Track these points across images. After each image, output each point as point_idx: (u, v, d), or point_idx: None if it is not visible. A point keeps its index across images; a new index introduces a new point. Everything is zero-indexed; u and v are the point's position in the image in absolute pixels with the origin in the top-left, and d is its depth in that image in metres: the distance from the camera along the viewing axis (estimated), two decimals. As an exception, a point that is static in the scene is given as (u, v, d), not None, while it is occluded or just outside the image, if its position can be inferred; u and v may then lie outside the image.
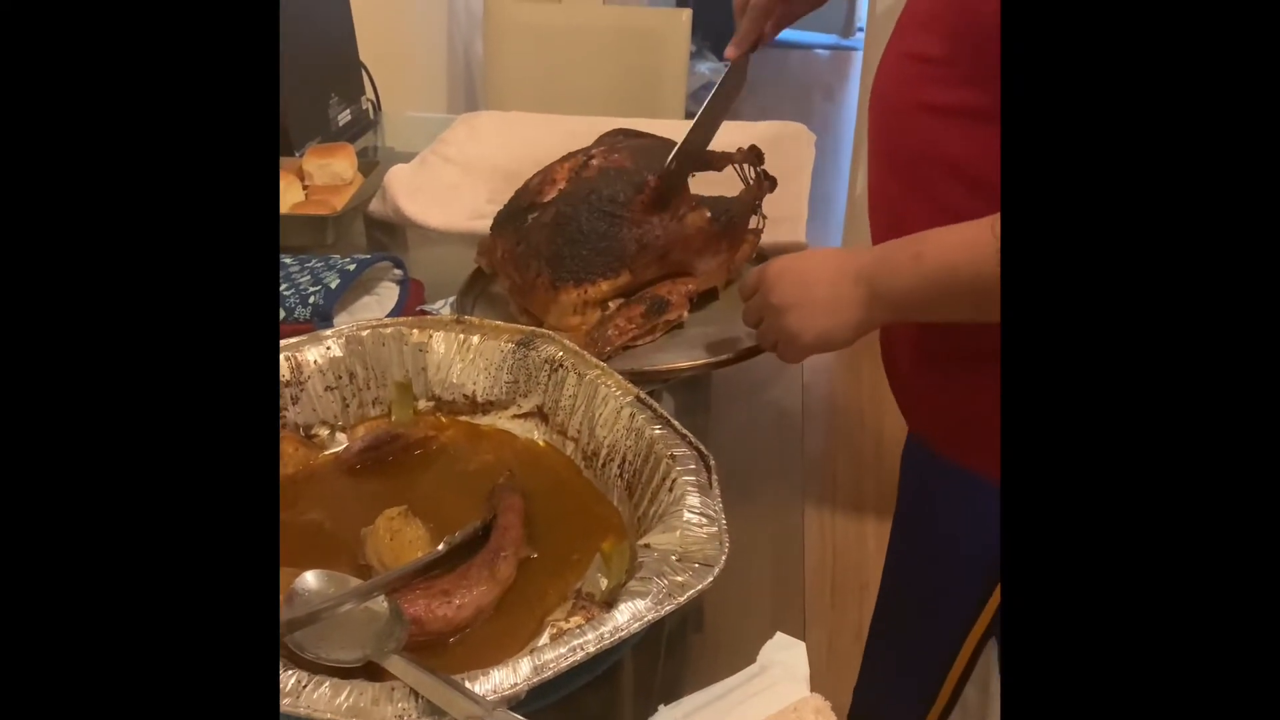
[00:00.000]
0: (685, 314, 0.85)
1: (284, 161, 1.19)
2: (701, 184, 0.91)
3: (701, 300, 0.88)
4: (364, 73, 1.48)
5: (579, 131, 1.06)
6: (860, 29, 4.61)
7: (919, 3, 0.70)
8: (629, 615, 0.50)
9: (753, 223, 0.94)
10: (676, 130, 1.09)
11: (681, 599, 0.51)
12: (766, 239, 1.00)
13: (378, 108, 1.53)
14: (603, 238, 0.81)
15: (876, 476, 2.02)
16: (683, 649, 0.60)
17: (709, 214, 0.87)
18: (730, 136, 0.97)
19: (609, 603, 0.54)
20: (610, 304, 0.83)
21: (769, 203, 0.94)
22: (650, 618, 0.50)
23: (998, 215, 0.58)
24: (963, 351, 0.71)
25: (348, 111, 1.41)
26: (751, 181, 0.92)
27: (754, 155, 0.92)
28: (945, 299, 0.63)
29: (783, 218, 1.04)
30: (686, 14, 1.84)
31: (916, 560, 0.88)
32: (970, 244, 0.60)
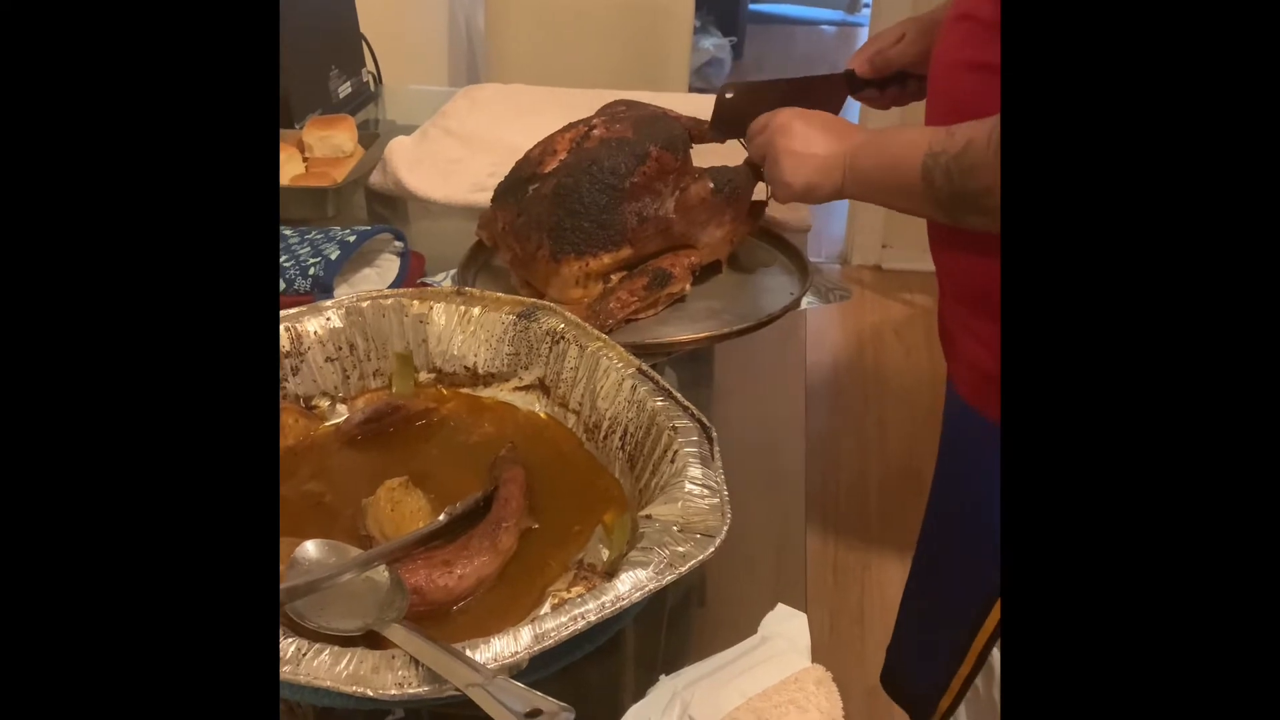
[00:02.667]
0: (688, 287, 0.84)
1: (284, 134, 1.18)
2: (704, 156, 0.90)
3: (704, 273, 0.87)
4: (365, 45, 1.47)
5: (581, 104, 1.05)
6: (866, 5, 4.56)
7: None
8: (630, 585, 0.50)
9: (758, 193, 0.93)
10: (679, 104, 1.08)
11: (683, 569, 0.51)
12: (773, 214, 0.99)
13: (378, 80, 1.52)
14: (603, 210, 0.80)
15: (881, 457, 2.02)
16: (685, 620, 0.60)
17: (711, 184, 0.86)
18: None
19: (610, 573, 0.54)
20: (612, 277, 0.82)
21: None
22: (651, 587, 0.50)
23: (943, 129, 0.68)
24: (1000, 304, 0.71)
25: (348, 84, 1.40)
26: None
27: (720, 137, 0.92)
28: (887, 188, 0.74)
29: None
30: (691, -12, 1.83)
31: (953, 517, 0.88)
32: (913, 144, 0.69)
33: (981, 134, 0.64)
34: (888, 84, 0.97)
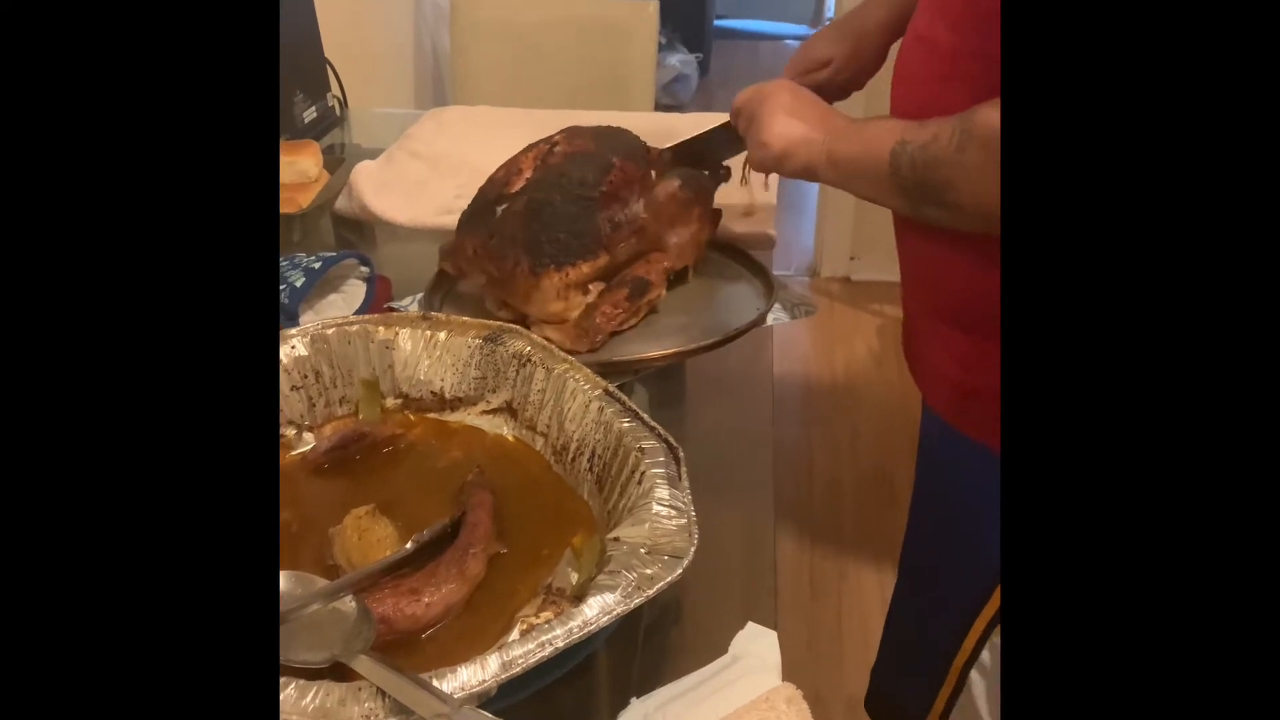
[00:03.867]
0: (664, 292, 0.85)
1: (248, 160, 1.18)
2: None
3: (672, 286, 0.88)
4: (329, 68, 1.47)
5: (546, 124, 1.05)
6: (829, 19, 4.62)
7: None
8: (598, 609, 0.50)
9: (715, 200, 0.94)
10: (645, 122, 1.09)
11: (650, 591, 0.51)
12: (738, 229, 1.00)
13: (344, 104, 1.52)
14: (577, 220, 0.81)
15: (853, 466, 2.03)
16: (658, 641, 0.60)
17: (678, 182, 0.88)
18: (695, 127, 0.96)
19: (579, 597, 0.54)
20: (590, 288, 0.83)
21: (739, 195, 0.94)
22: (619, 611, 0.50)
23: (915, 121, 0.69)
24: (977, 319, 0.72)
25: (313, 108, 1.39)
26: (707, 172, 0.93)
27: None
28: (857, 173, 0.75)
29: (753, 210, 1.04)
30: (653, 6, 1.84)
31: (936, 536, 0.88)
32: (888, 131, 0.70)
33: (947, 129, 0.65)
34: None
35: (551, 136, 0.90)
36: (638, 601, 0.50)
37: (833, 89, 0.94)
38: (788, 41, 4.87)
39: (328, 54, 1.46)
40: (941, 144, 0.65)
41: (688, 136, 0.95)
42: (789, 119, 0.79)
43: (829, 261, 2.71)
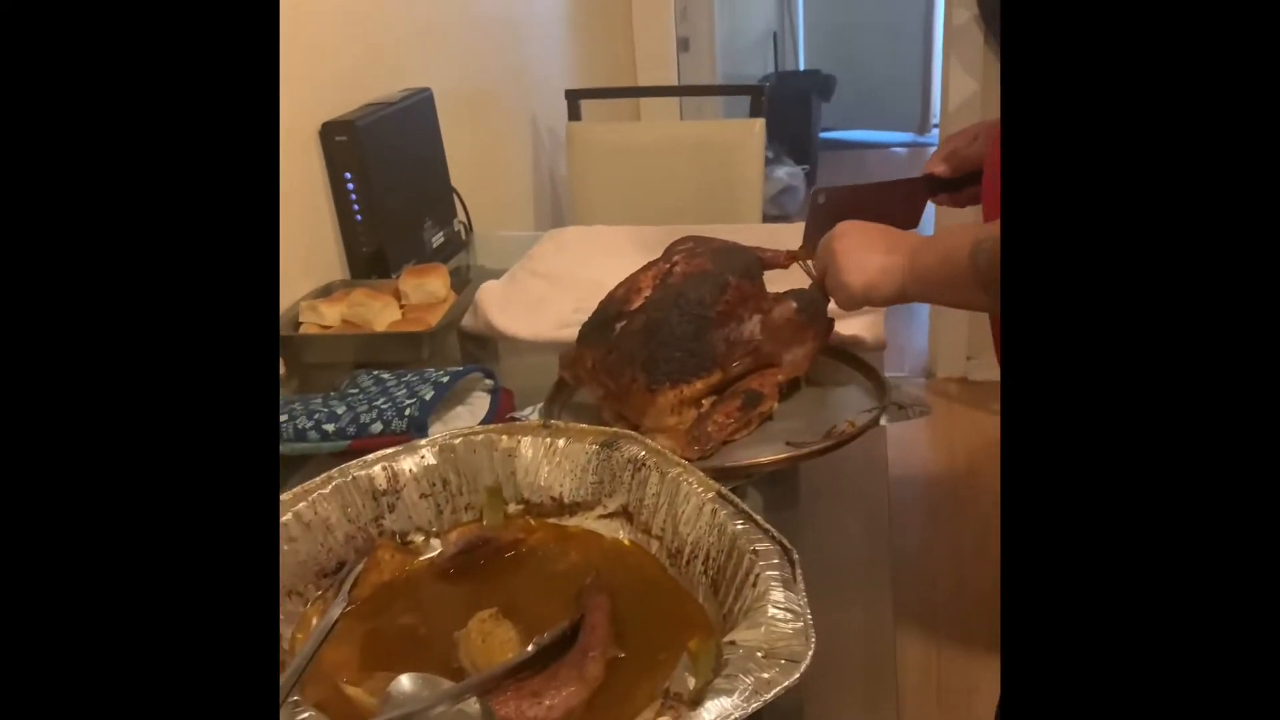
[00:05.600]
0: (776, 404, 0.86)
1: (381, 284, 1.26)
2: (769, 282, 0.93)
3: (786, 391, 0.89)
4: (456, 197, 1.58)
5: (658, 240, 1.10)
6: (935, 125, 4.65)
7: None
8: (715, 714, 0.50)
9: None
10: (754, 233, 1.12)
11: (768, 696, 0.51)
12: (847, 333, 1.01)
13: (469, 229, 1.62)
14: (694, 339, 0.84)
15: (978, 573, 1.95)
16: (775, 750, 0.59)
17: (795, 305, 0.90)
18: (802, 235, 0.99)
19: (696, 701, 0.54)
20: (704, 402, 0.85)
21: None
22: (737, 716, 0.50)
23: (981, 224, 0.71)
24: None
25: (441, 234, 1.49)
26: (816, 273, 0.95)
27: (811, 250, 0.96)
28: (943, 282, 0.77)
29: (862, 313, 1.05)
30: (760, 123, 1.91)
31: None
32: (964, 235, 0.73)
33: None
34: (963, 184, 1.00)
35: (671, 255, 0.94)
36: (755, 706, 0.50)
37: (977, 162, 0.96)
38: (894, 149, 4.92)
39: (454, 183, 1.57)
40: None
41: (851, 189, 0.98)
42: (863, 254, 0.83)
43: (944, 362, 2.66)
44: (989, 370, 2.58)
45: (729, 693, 0.51)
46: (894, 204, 0.94)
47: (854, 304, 0.86)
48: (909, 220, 1.03)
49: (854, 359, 0.97)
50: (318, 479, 0.72)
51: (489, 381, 1.01)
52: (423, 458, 0.76)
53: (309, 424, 0.90)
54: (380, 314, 1.17)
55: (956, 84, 2.39)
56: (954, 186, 1.02)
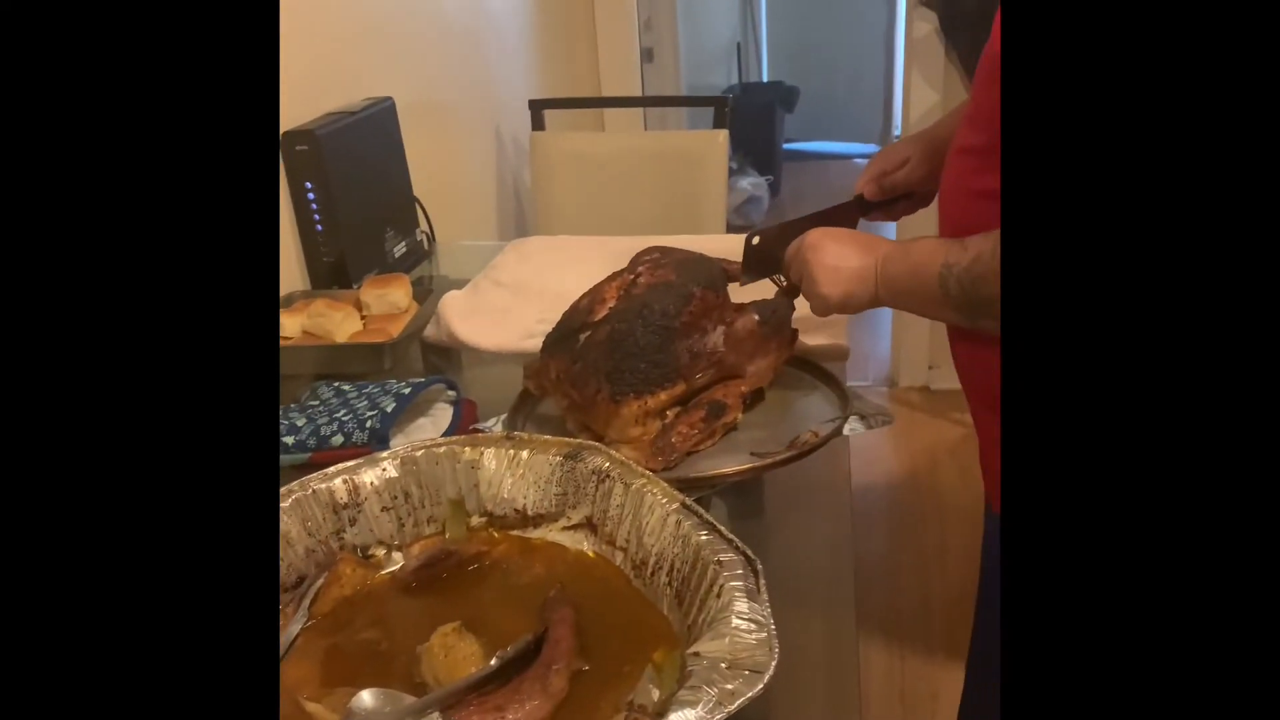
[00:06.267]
0: (740, 415, 0.86)
1: (343, 294, 1.25)
2: (735, 293, 0.94)
3: (750, 401, 0.90)
4: (418, 206, 1.57)
5: (623, 251, 1.10)
6: (897, 136, 4.71)
7: (970, 101, 0.81)
8: (680, 725, 0.50)
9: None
10: (718, 244, 1.13)
11: (732, 707, 0.51)
12: (810, 342, 1.01)
13: (432, 238, 1.61)
14: (658, 350, 0.84)
15: (942, 581, 1.97)
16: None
17: (757, 317, 0.90)
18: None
19: (660, 713, 0.54)
20: (667, 412, 0.85)
21: (809, 311, 0.96)
22: (702, 727, 0.50)
23: (957, 241, 0.72)
24: None
25: (403, 243, 1.48)
26: (783, 285, 0.95)
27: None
28: (913, 295, 0.78)
29: (825, 322, 1.06)
30: (723, 134, 1.92)
31: (995, 649, 0.85)
32: (931, 254, 0.74)
33: (988, 247, 0.69)
34: (896, 202, 1.02)
35: (636, 265, 0.94)
36: (719, 717, 0.50)
37: (908, 187, 0.97)
38: (856, 160, 4.97)
39: (416, 192, 1.56)
40: (984, 262, 0.68)
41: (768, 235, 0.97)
42: (836, 264, 0.84)
43: (907, 371, 2.69)
44: (951, 379, 2.59)
45: (693, 704, 0.51)
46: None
47: (830, 312, 0.87)
48: None
49: (817, 369, 0.97)
50: (277, 493, 0.71)
51: (451, 393, 1.00)
52: (384, 470, 0.75)
53: (268, 437, 0.89)
54: (341, 325, 1.16)
55: (918, 95, 2.43)
56: (886, 204, 1.03)
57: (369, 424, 0.89)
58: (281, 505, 0.70)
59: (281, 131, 1.27)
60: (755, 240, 0.96)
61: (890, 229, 2.30)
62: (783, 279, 0.96)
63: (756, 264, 0.97)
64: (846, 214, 1.01)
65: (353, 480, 0.74)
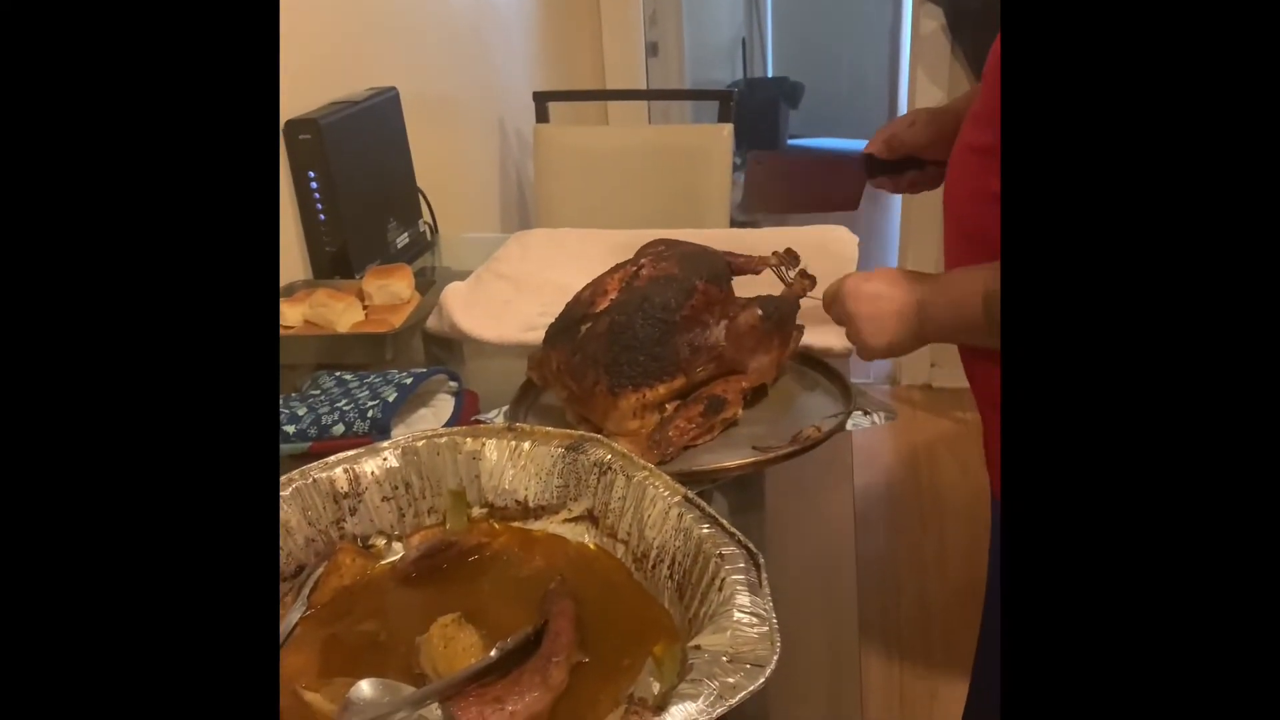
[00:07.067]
0: (740, 411, 0.86)
1: (345, 284, 1.25)
2: (741, 287, 0.93)
3: (751, 398, 0.89)
4: (421, 197, 1.56)
5: (626, 244, 1.10)
6: (902, 134, 4.70)
7: (978, 99, 0.80)
8: (680, 719, 0.50)
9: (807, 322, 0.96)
10: (721, 238, 1.12)
11: (733, 701, 0.51)
12: (815, 343, 1.01)
13: (435, 230, 1.61)
14: (657, 343, 0.83)
15: (941, 581, 1.97)
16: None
17: (760, 312, 0.89)
18: (774, 240, 0.99)
19: (661, 707, 0.54)
20: (667, 406, 0.85)
21: (817, 307, 0.96)
22: (702, 720, 0.50)
23: (993, 267, 0.71)
24: None
25: (405, 234, 1.48)
26: (791, 281, 0.95)
27: (789, 257, 0.95)
28: (959, 328, 0.79)
29: (828, 319, 1.06)
30: (728, 129, 1.91)
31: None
32: (971, 284, 0.74)
33: None
34: (904, 168, 1.01)
35: (637, 258, 0.94)
36: (720, 711, 0.50)
37: (914, 148, 0.97)
38: (860, 156, 4.95)
39: (419, 183, 1.55)
40: None
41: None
42: (877, 316, 0.82)
43: (909, 369, 2.69)
44: (952, 377, 2.61)
45: (694, 698, 0.51)
46: (833, 181, 0.95)
47: (877, 358, 0.87)
48: (847, 201, 1.03)
49: (820, 364, 0.97)
50: (277, 481, 0.70)
51: (453, 384, 1.00)
52: (385, 460, 0.75)
53: (269, 425, 0.89)
54: (343, 315, 1.16)
55: (923, 92, 2.42)
56: (894, 169, 1.02)
57: (370, 414, 0.89)
58: (282, 494, 0.70)
59: (285, 120, 1.26)
60: (759, 162, 0.97)
61: (895, 249, 2.29)
62: (786, 271, 0.95)
63: (760, 186, 0.97)
64: (852, 169, 1.01)
65: (353, 470, 0.73)
